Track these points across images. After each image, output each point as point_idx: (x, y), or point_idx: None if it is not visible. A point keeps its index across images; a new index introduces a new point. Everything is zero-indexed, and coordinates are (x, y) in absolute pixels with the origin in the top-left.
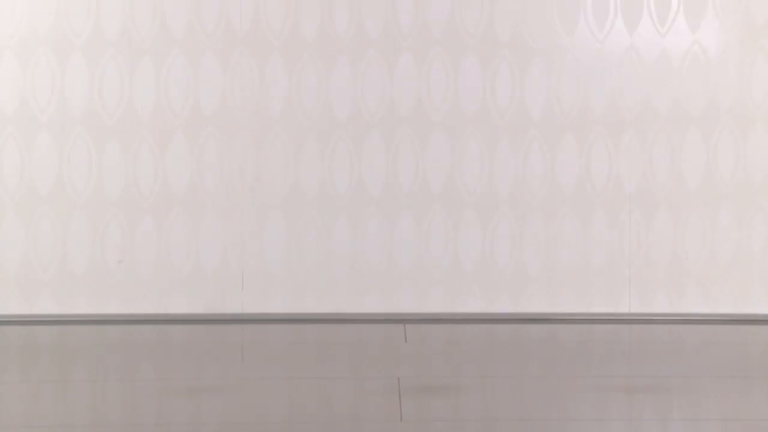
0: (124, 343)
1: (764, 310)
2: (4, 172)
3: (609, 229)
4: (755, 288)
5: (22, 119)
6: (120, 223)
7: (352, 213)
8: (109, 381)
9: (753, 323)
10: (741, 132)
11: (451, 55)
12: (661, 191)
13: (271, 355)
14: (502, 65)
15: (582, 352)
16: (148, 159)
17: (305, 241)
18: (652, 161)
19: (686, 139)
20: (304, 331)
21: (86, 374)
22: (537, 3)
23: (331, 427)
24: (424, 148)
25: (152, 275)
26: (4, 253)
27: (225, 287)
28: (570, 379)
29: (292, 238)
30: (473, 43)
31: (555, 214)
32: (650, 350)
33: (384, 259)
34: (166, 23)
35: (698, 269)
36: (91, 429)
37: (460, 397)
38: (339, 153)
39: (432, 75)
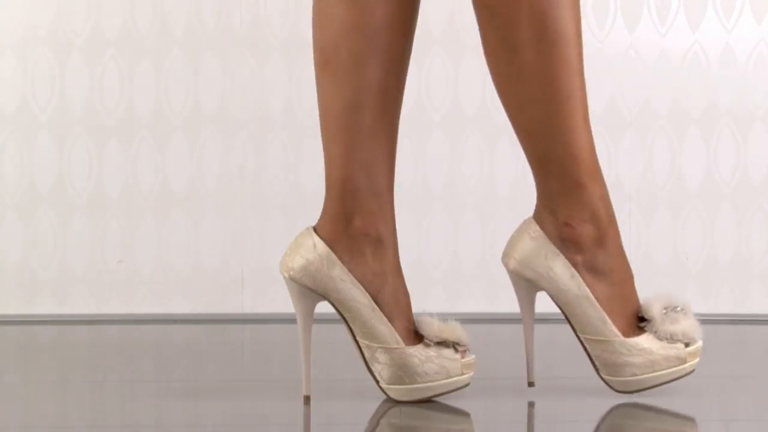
0: (124, 343)
1: (764, 310)
2: (4, 172)
3: None
4: (755, 288)
5: (22, 119)
6: (120, 223)
7: None
8: (109, 381)
9: (753, 323)
10: (741, 132)
11: (451, 55)
12: (661, 191)
13: (271, 355)
14: None
15: (581, 352)
16: (148, 159)
17: None
18: (652, 161)
19: (686, 139)
20: None
21: (86, 374)
22: None
23: (331, 428)
24: (423, 148)
25: (152, 275)
26: (4, 253)
27: (225, 287)
28: (570, 379)
29: (291, 238)
30: (473, 43)
31: None
32: None
33: None
34: (166, 23)
35: (698, 269)
36: (91, 430)
37: (459, 399)
38: None
39: (432, 75)
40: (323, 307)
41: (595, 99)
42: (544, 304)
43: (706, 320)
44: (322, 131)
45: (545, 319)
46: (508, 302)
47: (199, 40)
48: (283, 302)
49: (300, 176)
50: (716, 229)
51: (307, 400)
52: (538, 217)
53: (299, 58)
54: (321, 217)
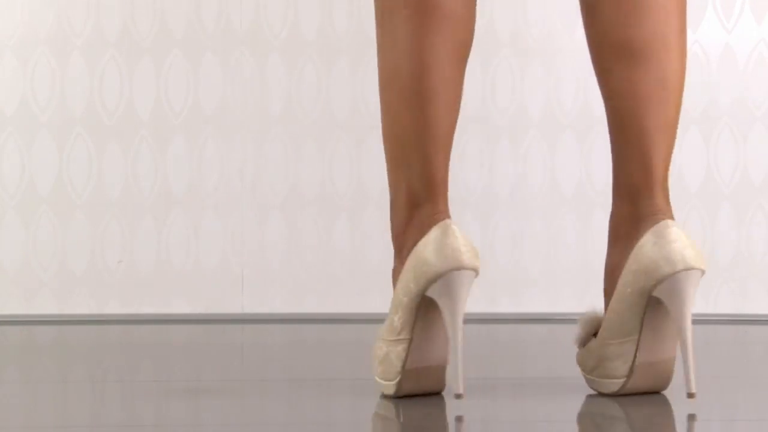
0: (124, 343)
1: (764, 310)
2: (4, 172)
3: None
4: (755, 288)
5: (22, 119)
6: (120, 223)
7: (353, 213)
8: (109, 381)
9: (753, 323)
10: (741, 132)
11: None
12: None
13: (271, 355)
14: (502, 65)
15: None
16: (148, 159)
17: (305, 241)
18: None
19: (686, 139)
20: (304, 331)
21: (86, 374)
22: (537, 3)
23: (331, 428)
24: None
25: (152, 275)
26: (4, 253)
27: (225, 287)
28: (570, 379)
29: (292, 238)
30: (473, 42)
31: (555, 214)
32: None
33: (384, 259)
34: (166, 23)
35: None
36: (91, 430)
37: (459, 399)
38: (339, 153)
39: None
40: (322, 307)
41: (595, 99)
42: (543, 304)
43: (706, 320)
44: (425, 142)
45: (544, 320)
46: (508, 302)
47: (199, 40)
48: (283, 302)
49: (300, 176)
50: (716, 229)
51: (458, 397)
52: (664, 217)
53: (299, 58)
54: (431, 211)
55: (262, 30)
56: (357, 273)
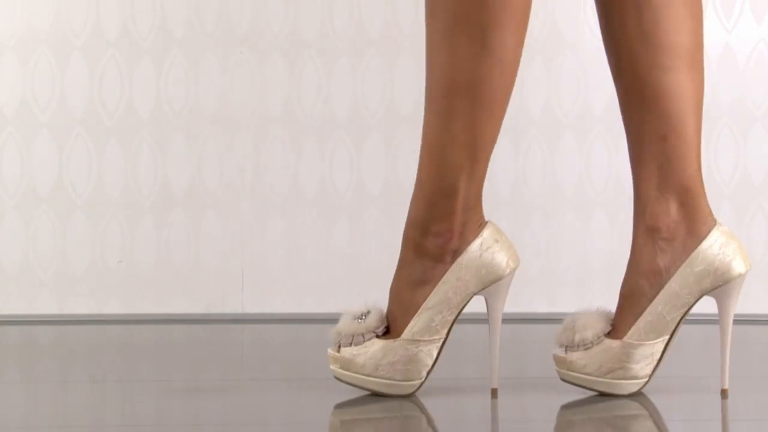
0: (124, 343)
1: (764, 310)
2: (4, 172)
3: (609, 229)
4: (755, 288)
5: (22, 119)
6: (120, 223)
7: (353, 213)
8: (109, 381)
9: (753, 323)
10: (741, 132)
11: None
12: None
13: (271, 355)
14: None
15: None
16: (148, 159)
17: (305, 241)
18: None
19: None
20: (304, 331)
21: (86, 374)
22: (537, 3)
23: (330, 428)
24: None
25: (152, 275)
26: (4, 253)
27: (225, 287)
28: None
29: (292, 238)
30: None
31: (555, 214)
32: None
33: (384, 258)
34: (166, 23)
35: None
36: (91, 430)
37: (461, 397)
38: (339, 153)
39: None
40: (322, 307)
41: (595, 99)
42: (543, 304)
43: (706, 320)
44: (491, 149)
45: (544, 320)
46: (508, 303)
47: (199, 40)
48: (283, 302)
49: (300, 176)
50: None
51: (494, 393)
52: (714, 219)
53: (299, 58)
54: (478, 214)
55: (262, 30)
56: (357, 273)
